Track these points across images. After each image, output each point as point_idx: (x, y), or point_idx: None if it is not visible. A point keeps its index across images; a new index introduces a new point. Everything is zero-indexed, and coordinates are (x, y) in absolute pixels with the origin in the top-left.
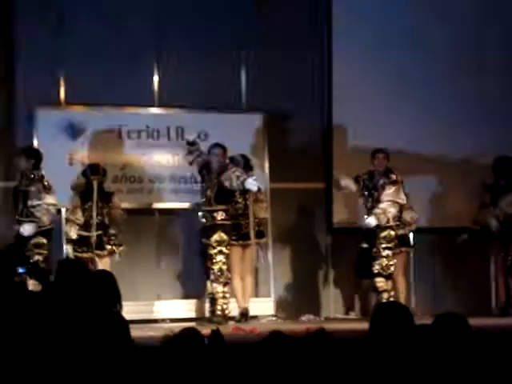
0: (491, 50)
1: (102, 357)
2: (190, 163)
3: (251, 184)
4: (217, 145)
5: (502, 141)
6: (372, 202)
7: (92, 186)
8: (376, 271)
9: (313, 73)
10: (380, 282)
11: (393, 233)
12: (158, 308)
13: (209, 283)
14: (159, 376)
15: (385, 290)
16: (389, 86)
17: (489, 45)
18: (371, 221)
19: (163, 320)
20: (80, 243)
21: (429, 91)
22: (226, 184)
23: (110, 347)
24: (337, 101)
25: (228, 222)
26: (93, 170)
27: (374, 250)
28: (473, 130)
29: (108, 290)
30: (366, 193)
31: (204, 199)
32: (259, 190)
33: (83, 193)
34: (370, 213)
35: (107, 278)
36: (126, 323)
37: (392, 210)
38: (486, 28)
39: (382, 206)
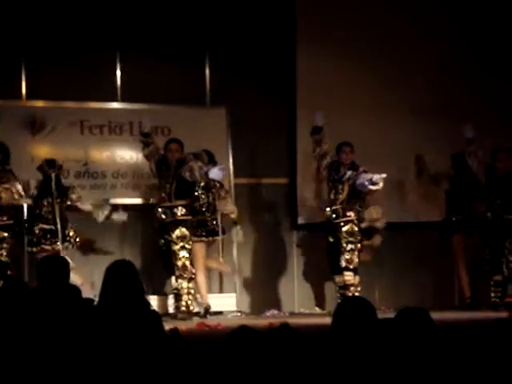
0: (455, 51)
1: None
2: (147, 157)
3: (216, 174)
4: (173, 140)
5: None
6: (335, 195)
7: (50, 179)
8: (343, 265)
9: (277, 67)
10: (348, 276)
11: (355, 227)
12: None
13: (173, 279)
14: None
15: (352, 285)
16: (353, 80)
17: (451, 47)
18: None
19: None
20: (45, 237)
21: (387, 85)
22: (187, 175)
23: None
24: (302, 95)
25: (188, 218)
26: (50, 164)
27: (339, 244)
28: (429, 125)
29: (131, 280)
30: (330, 184)
31: (163, 195)
32: (221, 186)
33: (42, 188)
34: (332, 204)
35: (129, 267)
36: (158, 314)
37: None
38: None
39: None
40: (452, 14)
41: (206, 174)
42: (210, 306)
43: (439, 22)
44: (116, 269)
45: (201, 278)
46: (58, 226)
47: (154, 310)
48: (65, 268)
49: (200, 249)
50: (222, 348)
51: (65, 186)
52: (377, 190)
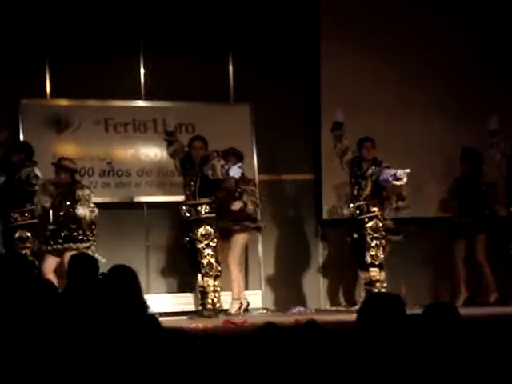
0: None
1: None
2: (171, 155)
3: (236, 172)
4: (196, 137)
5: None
6: (358, 191)
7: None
8: (369, 262)
9: (301, 63)
10: (373, 272)
11: (379, 223)
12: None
13: (199, 277)
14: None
15: (377, 280)
16: (376, 76)
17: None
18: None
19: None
20: (52, 237)
21: (410, 81)
22: (209, 173)
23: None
24: (325, 91)
25: (213, 215)
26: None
27: (363, 240)
28: (451, 122)
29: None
30: (353, 180)
31: (187, 193)
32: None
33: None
34: (355, 201)
35: (128, 272)
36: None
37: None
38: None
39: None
40: (473, 7)
41: (227, 172)
42: (242, 304)
43: (460, 16)
44: (112, 274)
45: (235, 274)
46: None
47: (151, 314)
48: (94, 266)
49: (236, 244)
50: (249, 345)
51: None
52: (401, 186)
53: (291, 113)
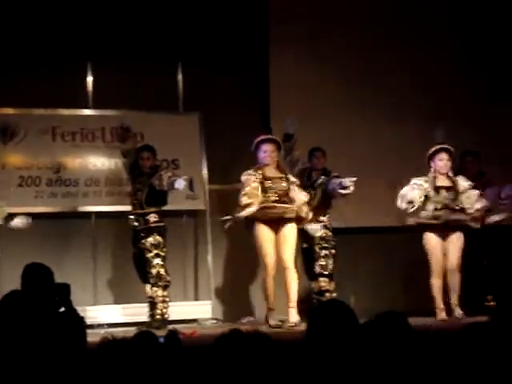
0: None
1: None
2: (123, 154)
3: (180, 184)
4: (144, 148)
5: None
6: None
7: None
8: (318, 272)
9: (250, 72)
10: (323, 282)
11: (329, 232)
12: (94, 313)
13: (148, 287)
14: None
15: (327, 290)
16: (329, 85)
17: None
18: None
19: (100, 325)
20: None
21: (360, 91)
22: (156, 183)
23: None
24: (275, 100)
25: (161, 224)
26: None
27: (312, 250)
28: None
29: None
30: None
31: (135, 202)
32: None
33: None
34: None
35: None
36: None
37: None
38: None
39: None
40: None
41: (172, 183)
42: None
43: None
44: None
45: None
46: None
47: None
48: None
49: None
50: (206, 354)
51: None
52: (347, 194)
53: (241, 122)
